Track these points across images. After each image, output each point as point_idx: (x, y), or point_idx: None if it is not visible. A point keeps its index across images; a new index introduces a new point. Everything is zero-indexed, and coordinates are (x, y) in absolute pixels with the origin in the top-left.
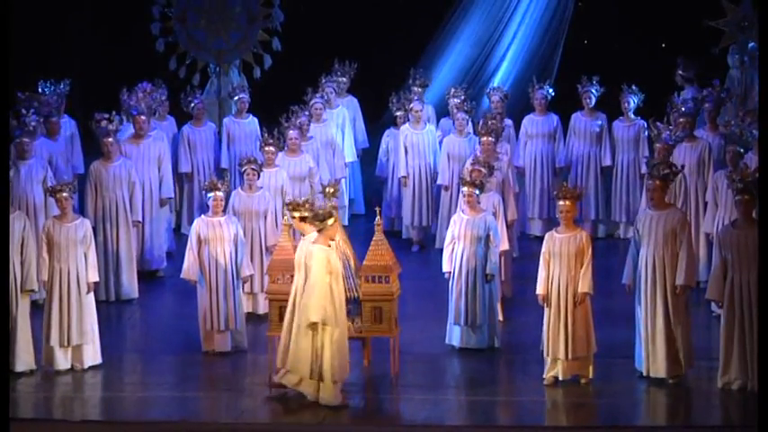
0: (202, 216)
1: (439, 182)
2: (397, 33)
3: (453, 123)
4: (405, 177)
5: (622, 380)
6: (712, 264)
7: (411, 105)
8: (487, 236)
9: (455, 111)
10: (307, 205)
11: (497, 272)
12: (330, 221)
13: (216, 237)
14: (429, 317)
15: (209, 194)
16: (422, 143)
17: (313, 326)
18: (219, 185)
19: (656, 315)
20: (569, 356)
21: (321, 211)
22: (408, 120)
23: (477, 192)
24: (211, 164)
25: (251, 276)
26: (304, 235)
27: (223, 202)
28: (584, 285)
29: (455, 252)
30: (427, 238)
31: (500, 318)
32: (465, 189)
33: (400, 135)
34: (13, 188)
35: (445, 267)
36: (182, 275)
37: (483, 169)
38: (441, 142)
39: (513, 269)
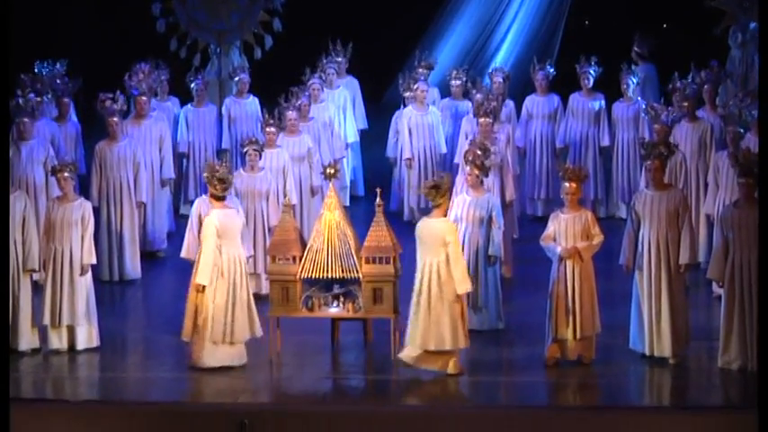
0: (203, 196)
1: (456, 160)
2: (398, 14)
3: (472, 104)
4: (410, 159)
5: (623, 360)
6: (713, 244)
7: (416, 86)
8: (490, 217)
9: (474, 92)
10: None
11: (500, 253)
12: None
13: None
14: None
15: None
16: (426, 125)
17: (458, 298)
18: (218, 168)
19: (661, 294)
20: (577, 336)
21: (443, 185)
22: (413, 101)
23: (479, 173)
24: (212, 145)
25: (250, 257)
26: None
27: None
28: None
29: (459, 233)
30: None
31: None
32: (468, 169)
33: (404, 117)
34: (13, 168)
35: None
36: (182, 255)
37: (477, 150)
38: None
39: (513, 250)
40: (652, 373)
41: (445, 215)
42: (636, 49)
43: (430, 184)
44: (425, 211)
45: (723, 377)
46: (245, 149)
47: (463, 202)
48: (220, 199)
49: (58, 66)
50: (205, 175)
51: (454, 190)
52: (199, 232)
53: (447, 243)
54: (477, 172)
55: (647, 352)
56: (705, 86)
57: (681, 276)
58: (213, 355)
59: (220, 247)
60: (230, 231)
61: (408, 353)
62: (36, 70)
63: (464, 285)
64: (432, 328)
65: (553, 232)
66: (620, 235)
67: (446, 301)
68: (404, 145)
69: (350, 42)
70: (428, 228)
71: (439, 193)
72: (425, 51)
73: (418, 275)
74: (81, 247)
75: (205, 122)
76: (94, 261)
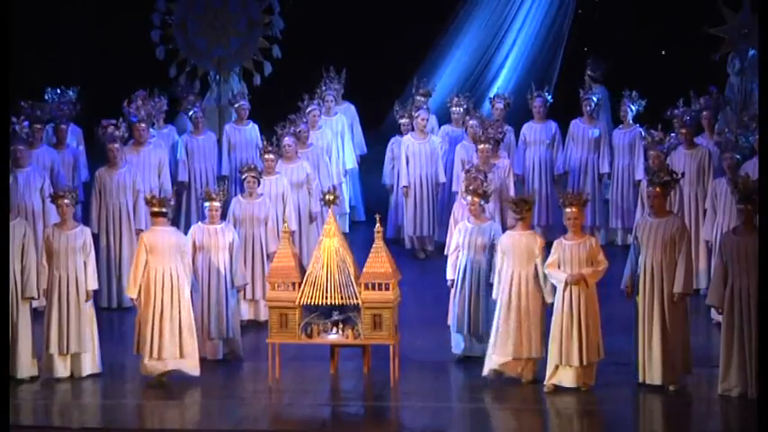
0: (199, 223)
1: (454, 188)
2: (397, 41)
3: (465, 130)
4: (406, 187)
5: (623, 387)
6: (712, 270)
7: (417, 114)
8: (492, 244)
9: (467, 118)
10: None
11: None
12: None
13: (211, 244)
14: (430, 324)
15: (206, 204)
16: (424, 153)
17: (543, 309)
18: (215, 195)
19: (653, 322)
20: (584, 362)
21: (530, 200)
22: (412, 128)
23: (483, 202)
24: (210, 173)
25: (245, 285)
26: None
27: (219, 212)
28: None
29: (459, 260)
30: (430, 247)
31: None
32: (469, 198)
33: (402, 145)
34: (11, 196)
35: (449, 275)
36: None
37: (480, 176)
38: (445, 149)
39: None
40: (652, 400)
41: (529, 228)
42: (589, 72)
43: (517, 198)
44: (422, 239)
45: (723, 404)
46: (243, 176)
47: (465, 229)
48: (157, 215)
49: (71, 92)
50: (145, 196)
51: (452, 218)
52: (193, 259)
53: (536, 256)
54: (477, 199)
55: (640, 379)
56: (704, 113)
57: (678, 304)
58: (155, 365)
59: (150, 263)
60: (159, 248)
61: (498, 360)
62: (46, 97)
63: (551, 297)
64: (524, 338)
65: (557, 259)
66: (618, 261)
67: (534, 311)
68: (401, 172)
69: (344, 68)
70: (516, 241)
71: (525, 206)
72: (423, 79)
73: (505, 287)
74: (85, 274)
75: (204, 150)
76: (97, 286)
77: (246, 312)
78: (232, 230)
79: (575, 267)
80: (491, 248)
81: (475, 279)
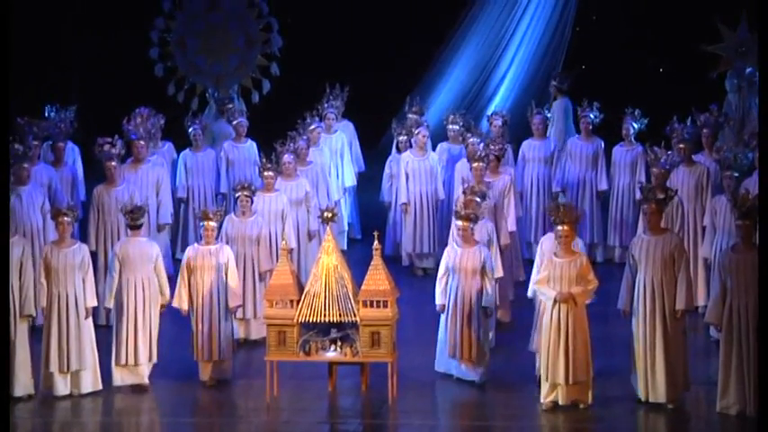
0: (195, 244)
1: (453, 206)
2: (395, 59)
3: (464, 148)
4: (406, 204)
5: (621, 405)
6: (710, 288)
7: (417, 131)
8: (482, 267)
9: (468, 135)
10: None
11: (493, 305)
12: None
13: (204, 265)
14: (428, 342)
15: (202, 223)
16: (425, 170)
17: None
18: (212, 215)
19: (655, 340)
20: (570, 381)
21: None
22: (410, 146)
23: (472, 226)
24: (210, 189)
25: (239, 307)
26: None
27: (215, 232)
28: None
29: (449, 285)
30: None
31: (492, 345)
32: (459, 223)
33: (401, 162)
34: (14, 214)
35: (439, 300)
36: (172, 304)
37: (477, 198)
38: (442, 166)
39: (515, 293)
40: (650, 418)
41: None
42: (555, 83)
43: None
44: (420, 256)
45: (722, 422)
46: (236, 195)
47: (454, 253)
48: (132, 228)
49: (68, 111)
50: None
51: (451, 240)
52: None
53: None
54: (467, 224)
55: (643, 397)
56: (704, 130)
57: (678, 322)
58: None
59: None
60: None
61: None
62: (46, 114)
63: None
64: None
65: (547, 276)
66: (616, 279)
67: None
68: (400, 189)
69: (347, 86)
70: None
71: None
72: (417, 97)
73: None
74: (84, 291)
75: (204, 167)
76: (96, 304)
77: (238, 331)
78: (227, 251)
79: (564, 285)
80: (482, 272)
81: (467, 304)
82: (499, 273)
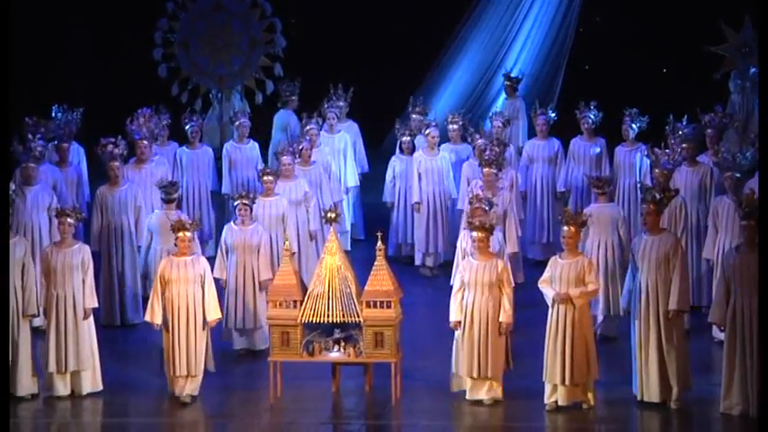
0: (170, 255)
1: (459, 206)
2: (398, 59)
3: (473, 149)
4: (418, 203)
5: (624, 405)
6: (714, 288)
7: (428, 131)
8: (499, 281)
9: (477, 137)
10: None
11: (510, 320)
12: None
13: (179, 277)
14: (432, 342)
15: (178, 234)
16: (436, 169)
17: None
18: (188, 225)
19: (649, 340)
20: (566, 382)
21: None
22: (413, 146)
23: (489, 236)
24: (205, 187)
25: (218, 320)
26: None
27: (191, 243)
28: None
29: (465, 300)
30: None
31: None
32: (475, 234)
33: (414, 161)
34: (18, 214)
35: (454, 317)
36: (144, 318)
37: (485, 206)
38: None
39: (516, 296)
40: (653, 418)
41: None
42: (507, 82)
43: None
44: (431, 255)
45: (724, 422)
46: (235, 203)
47: (470, 266)
48: (167, 202)
49: (74, 113)
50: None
51: (459, 248)
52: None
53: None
54: (483, 235)
55: (638, 397)
56: (708, 131)
57: (674, 322)
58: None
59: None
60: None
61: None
62: (53, 114)
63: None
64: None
65: (550, 277)
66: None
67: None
68: (412, 189)
69: (350, 86)
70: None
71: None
72: (420, 97)
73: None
74: (83, 292)
75: (199, 164)
76: (96, 304)
77: (238, 342)
78: (203, 262)
79: (563, 286)
80: (498, 285)
81: (484, 319)
82: (512, 283)
